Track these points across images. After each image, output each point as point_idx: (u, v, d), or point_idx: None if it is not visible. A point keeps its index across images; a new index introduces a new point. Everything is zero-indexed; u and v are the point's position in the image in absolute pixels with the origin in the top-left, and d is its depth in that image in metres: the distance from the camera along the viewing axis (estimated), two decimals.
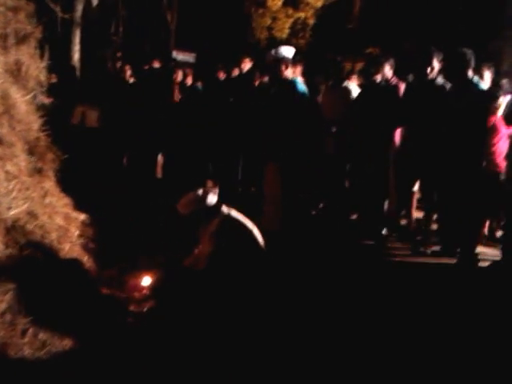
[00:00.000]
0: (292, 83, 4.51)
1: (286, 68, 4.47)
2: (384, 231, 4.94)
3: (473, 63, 4.30)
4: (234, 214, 3.43)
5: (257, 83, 5.79)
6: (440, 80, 4.56)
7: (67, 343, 2.78)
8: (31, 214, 3.10)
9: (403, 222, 5.23)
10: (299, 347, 2.96)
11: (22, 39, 3.91)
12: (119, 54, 7.64)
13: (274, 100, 4.62)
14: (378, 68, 4.91)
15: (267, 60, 4.55)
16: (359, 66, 8.13)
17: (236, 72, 6.15)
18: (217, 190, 3.50)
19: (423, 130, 4.55)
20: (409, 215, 5.07)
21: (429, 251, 4.67)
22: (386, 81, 4.92)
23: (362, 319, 3.35)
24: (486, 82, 4.61)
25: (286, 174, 4.51)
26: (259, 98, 5.35)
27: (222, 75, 6.34)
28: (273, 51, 4.51)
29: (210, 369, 2.70)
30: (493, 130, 4.66)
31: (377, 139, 4.84)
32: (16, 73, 3.83)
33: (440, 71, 4.58)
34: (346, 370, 2.81)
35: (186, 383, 2.61)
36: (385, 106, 4.80)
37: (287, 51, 4.51)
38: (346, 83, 5.49)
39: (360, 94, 5.21)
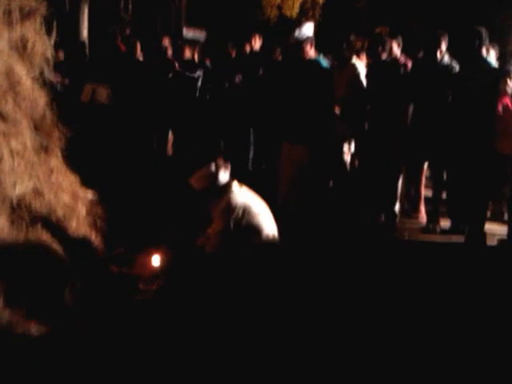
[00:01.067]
0: (317, 62, 4.41)
1: (311, 47, 4.36)
2: (397, 208, 4.88)
3: (487, 41, 4.34)
4: (245, 191, 3.39)
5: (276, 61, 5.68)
6: (447, 59, 4.57)
7: (75, 319, 2.77)
8: (37, 192, 3.07)
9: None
10: (309, 327, 2.93)
11: (26, 15, 3.83)
12: (129, 31, 7.55)
13: (300, 80, 4.48)
14: (385, 46, 4.85)
15: (291, 40, 4.42)
16: None
17: (247, 50, 6.04)
18: (229, 167, 3.44)
19: (431, 109, 4.52)
20: (417, 193, 5.00)
21: (438, 229, 4.64)
22: (394, 59, 4.84)
23: (372, 298, 3.31)
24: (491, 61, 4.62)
25: (314, 155, 4.42)
26: (280, 77, 5.25)
27: (232, 53, 6.23)
28: (296, 32, 4.36)
29: (218, 349, 2.67)
30: (506, 110, 4.64)
31: (387, 118, 4.75)
32: (21, 49, 3.76)
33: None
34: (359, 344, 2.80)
35: (193, 362, 2.58)
36: (393, 84, 4.73)
37: (309, 29, 4.39)
38: (354, 60, 5.35)
39: (369, 72, 5.14)
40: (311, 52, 4.37)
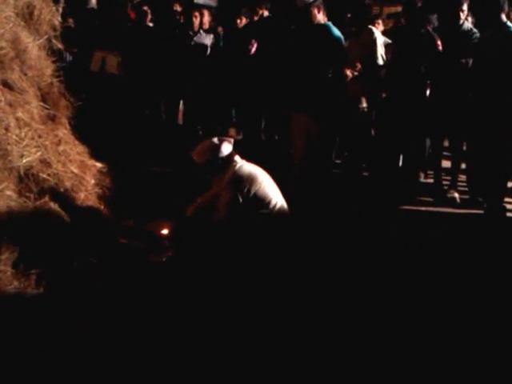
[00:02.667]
0: (326, 27, 4.25)
1: (319, 12, 4.19)
2: (422, 178, 4.83)
3: (506, 7, 4.22)
4: (247, 164, 3.36)
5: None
6: (467, 25, 4.45)
7: (85, 293, 2.76)
8: (44, 162, 3.05)
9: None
10: (318, 299, 2.90)
11: None
12: None
13: (308, 47, 4.36)
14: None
15: (298, 4, 4.27)
16: (387, 10, 7.71)
17: (256, 17, 5.91)
18: (232, 140, 3.41)
19: (452, 76, 4.40)
20: (437, 164, 4.90)
21: (456, 201, 4.56)
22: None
23: (390, 272, 3.27)
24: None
25: (323, 125, 4.33)
26: (288, 43, 5.11)
27: (243, 20, 6.05)
28: None
29: (228, 320, 2.66)
30: None
31: (406, 87, 4.62)
32: (27, 16, 3.70)
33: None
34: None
35: (203, 333, 2.57)
36: (415, 51, 4.58)
37: None
38: (370, 28, 5.18)
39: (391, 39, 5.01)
40: (319, 16, 4.22)
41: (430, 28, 4.68)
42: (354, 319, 2.75)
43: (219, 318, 2.66)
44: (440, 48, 4.55)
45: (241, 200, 3.26)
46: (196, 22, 6.02)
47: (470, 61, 4.36)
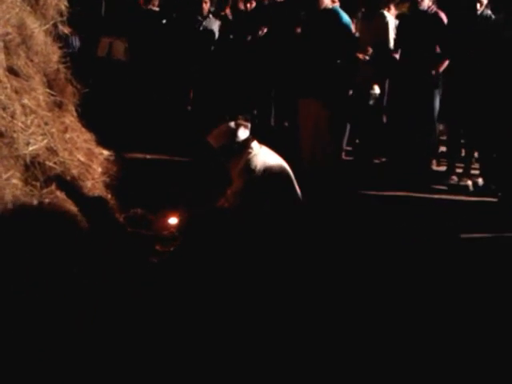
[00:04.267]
0: (334, 12, 4.17)
1: None
2: (435, 165, 4.75)
3: None
4: (265, 150, 3.29)
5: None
6: (487, 12, 4.38)
7: (92, 283, 2.74)
8: (51, 150, 3.00)
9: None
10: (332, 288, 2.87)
11: None
12: None
13: (315, 32, 4.27)
14: None
15: None
16: None
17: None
18: (249, 125, 3.32)
19: (468, 64, 4.30)
20: (453, 152, 4.85)
21: (470, 188, 4.50)
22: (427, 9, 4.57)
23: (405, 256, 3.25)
24: None
25: (331, 110, 4.27)
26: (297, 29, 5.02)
27: (253, 3, 5.95)
28: None
29: (234, 309, 2.64)
30: None
31: (418, 74, 4.52)
32: (34, 1, 3.64)
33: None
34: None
35: (209, 322, 2.55)
36: (426, 36, 4.49)
37: None
38: (382, 12, 5.07)
39: (401, 23, 4.88)
40: (327, 1, 4.16)
41: (433, 8, 4.57)
42: (363, 312, 2.71)
43: (225, 309, 2.63)
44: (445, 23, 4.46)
45: (251, 189, 3.21)
46: (206, 7, 5.92)
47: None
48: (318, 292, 2.82)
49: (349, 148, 5.36)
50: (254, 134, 3.32)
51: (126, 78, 5.79)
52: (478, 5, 4.36)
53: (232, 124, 3.27)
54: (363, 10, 5.14)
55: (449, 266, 3.18)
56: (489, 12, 4.41)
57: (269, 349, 2.36)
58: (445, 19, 4.52)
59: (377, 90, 4.83)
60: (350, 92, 4.54)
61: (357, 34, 4.90)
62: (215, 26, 6.02)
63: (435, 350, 2.41)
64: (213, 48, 5.90)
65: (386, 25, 4.91)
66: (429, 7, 4.56)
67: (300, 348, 2.39)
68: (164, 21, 6.16)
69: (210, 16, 6.03)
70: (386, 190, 4.45)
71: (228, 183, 3.38)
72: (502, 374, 2.28)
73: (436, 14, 4.53)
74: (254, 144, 3.26)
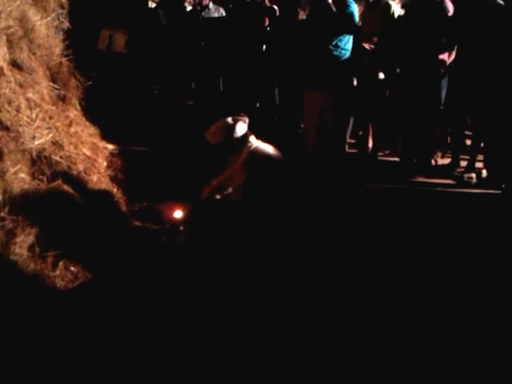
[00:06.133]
0: (344, 0, 4.12)
1: None
2: (439, 157, 4.73)
3: None
4: (262, 145, 3.29)
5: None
6: None
7: (99, 276, 2.74)
8: (56, 144, 2.99)
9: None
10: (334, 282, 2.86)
11: None
12: None
13: (319, 21, 4.24)
14: None
15: None
16: None
17: None
18: (247, 119, 3.31)
19: (475, 53, 4.22)
20: (457, 143, 4.81)
21: (473, 181, 4.47)
22: None
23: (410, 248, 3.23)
24: None
25: (336, 101, 4.25)
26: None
27: None
28: None
29: (241, 301, 2.64)
30: None
31: (425, 62, 4.45)
32: None
33: None
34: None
35: (217, 316, 2.54)
36: (431, 23, 4.39)
37: None
38: (386, 1, 5.02)
39: (406, 12, 4.79)
40: None
41: None
42: (364, 305, 2.70)
43: (230, 303, 2.62)
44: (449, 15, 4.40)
45: (254, 182, 3.21)
46: None
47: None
48: (320, 286, 2.80)
49: (352, 140, 5.34)
50: (257, 128, 3.31)
51: (127, 71, 5.73)
52: None
53: (230, 119, 3.26)
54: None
55: (451, 261, 3.15)
56: None
57: (271, 347, 2.35)
58: (450, 8, 4.44)
59: (381, 75, 4.80)
60: (355, 82, 4.52)
61: (360, 24, 4.85)
62: (216, 15, 5.93)
63: (435, 349, 2.40)
64: (213, 38, 5.81)
65: (391, 14, 4.85)
66: None
67: (302, 342, 2.38)
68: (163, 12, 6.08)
69: (210, 5, 5.94)
70: (388, 182, 4.42)
71: (216, 174, 3.37)
72: (501, 373, 2.28)
73: (442, 2, 4.46)
74: (252, 138, 3.27)
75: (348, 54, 4.30)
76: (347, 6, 4.11)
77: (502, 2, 4.22)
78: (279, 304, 2.62)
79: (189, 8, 6.29)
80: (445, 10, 4.42)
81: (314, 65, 4.30)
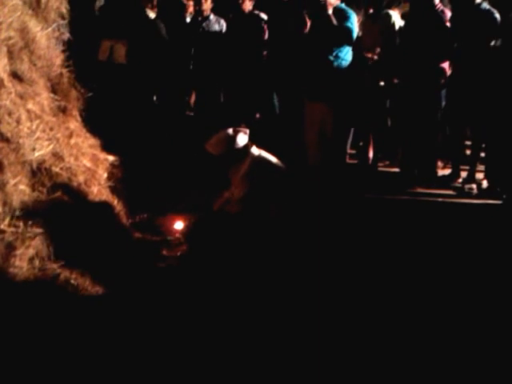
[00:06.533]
0: (344, 12, 4.13)
1: None
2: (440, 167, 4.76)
3: None
4: (264, 155, 3.29)
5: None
6: (485, 5, 4.30)
7: (99, 288, 2.73)
8: (57, 156, 2.97)
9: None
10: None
11: None
12: None
13: (319, 34, 4.25)
14: None
15: None
16: None
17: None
18: (247, 130, 3.31)
19: (471, 61, 4.25)
20: (456, 154, 4.79)
21: (474, 191, 4.47)
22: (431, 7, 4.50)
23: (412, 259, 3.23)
24: None
25: (336, 112, 4.26)
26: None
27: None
28: None
29: (243, 311, 2.62)
30: None
31: (425, 72, 4.47)
32: (35, 4, 3.59)
33: None
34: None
35: (219, 326, 2.53)
36: (431, 33, 4.43)
37: None
38: (387, 12, 5.05)
39: (406, 22, 4.83)
40: (334, 1, 4.14)
41: (440, 6, 4.54)
42: (363, 309, 2.70)
43: (231, 312, 2.62)
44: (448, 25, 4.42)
45: (255, 193, 3.20)
46: (206, 6, 5.81)
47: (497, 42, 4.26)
48: (320, 295, 2.79)
49: (353, 151, 5.33)
50: (257, 139, 3.31)
51: (128, 82, 5.73)
52: None
53: (230, 131, 3.27)
54: (371, 10, 5.10)
55: (452, 270, 3.14)
56: (487, 6, 4.32)
57: (272, 350, 2.36)
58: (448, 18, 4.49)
59: (381, 83, 4.83)
60: (356, 92, 4.52)
61: (360, 34, 4.87)
62: (216, 26, 5.92)
63: (435, 348, 2.41)
64: (214, 50, 5.81)
65: (392, 25, 4.88)
66: (436, 5, 4.51)
67: (303, 342, 2.39)
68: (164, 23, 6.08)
69: (211, 17, 5.93)
70: (389, 193, 4.42)
71: (225, 186, 3.36)
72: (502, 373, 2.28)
73: (442, 12, 4.50)
74: (254, 149, 3.26)
75: (348, 64, 4.31)
76: (347, 17, 4.12)
77: (492, 10, 4.26)
78: (281, 314, 2.61)
79: (188, 19, 6.29)
80: (444, 19, 4.46)
81: (315, 76, 4.30)
